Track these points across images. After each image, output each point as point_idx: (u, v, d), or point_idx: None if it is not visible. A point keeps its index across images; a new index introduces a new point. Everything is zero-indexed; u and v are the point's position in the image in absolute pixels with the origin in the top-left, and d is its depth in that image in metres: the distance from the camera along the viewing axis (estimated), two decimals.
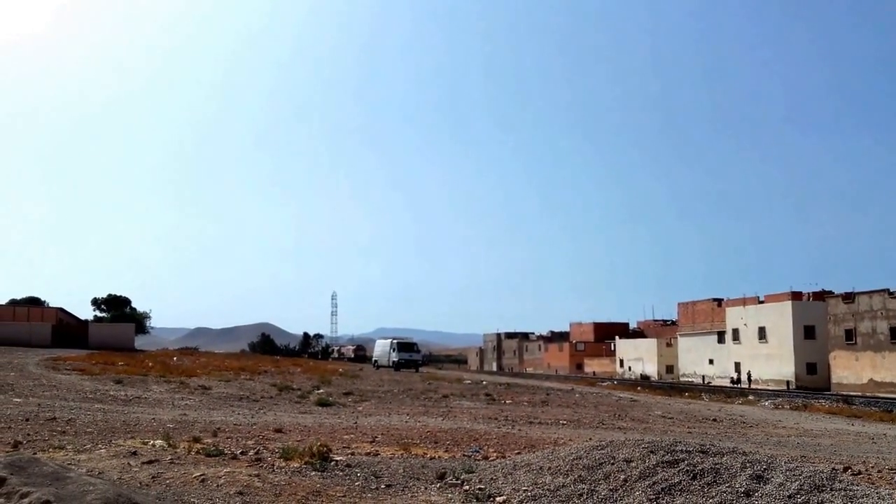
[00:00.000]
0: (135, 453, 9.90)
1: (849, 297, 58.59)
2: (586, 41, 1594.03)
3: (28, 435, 11.96)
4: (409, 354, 59.04)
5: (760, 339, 67.76)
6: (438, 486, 9.11)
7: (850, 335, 57.79)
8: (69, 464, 8.18)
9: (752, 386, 61.40)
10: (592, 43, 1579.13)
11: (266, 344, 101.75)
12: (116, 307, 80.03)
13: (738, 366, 70.46)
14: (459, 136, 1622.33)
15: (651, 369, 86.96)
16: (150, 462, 9.21)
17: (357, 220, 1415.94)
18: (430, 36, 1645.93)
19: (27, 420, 14.05)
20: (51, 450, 10.28)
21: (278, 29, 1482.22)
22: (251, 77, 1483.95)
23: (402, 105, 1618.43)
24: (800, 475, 8.06)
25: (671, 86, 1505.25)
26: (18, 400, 18.15)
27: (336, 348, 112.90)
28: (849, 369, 57.54)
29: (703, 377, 74.56)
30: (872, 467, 12.38)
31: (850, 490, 7.74)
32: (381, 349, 63.19)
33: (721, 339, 74.58)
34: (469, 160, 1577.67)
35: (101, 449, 10.48)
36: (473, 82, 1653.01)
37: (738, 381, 65.69)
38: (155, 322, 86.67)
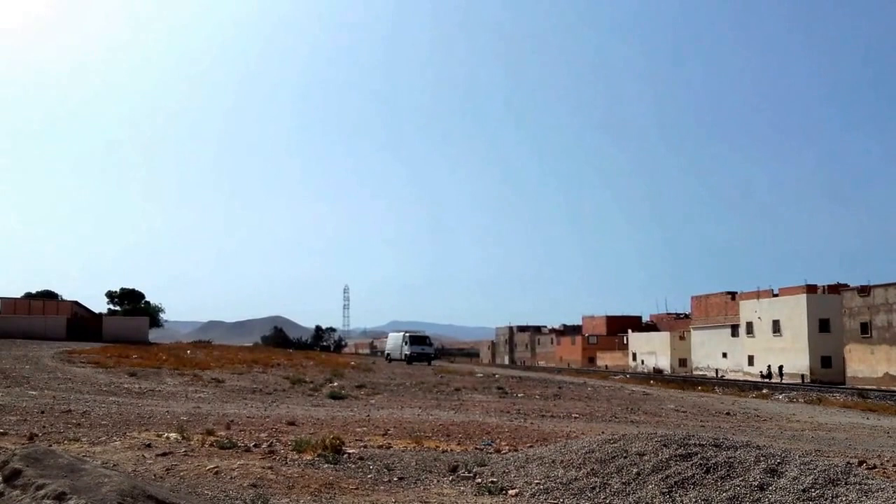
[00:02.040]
0: (149, 446, 9.97)
1: (864, 291, 58.17)
2: (604, 37, 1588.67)
3: (43, 427, 12.05)
4: (422, 347, 59.02)
5: (775, 332, 67.40)
6: (451, 478, 9.12)
7: (865, 328, 57.40)
8: (84, 456, 8.24)
9: (783, 381, 60.33)
10: (607, 39, 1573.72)
11: (279, 337, 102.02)
12: (130, 301, 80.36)
13: (751, 359, 70.10)
14: (472, 131, 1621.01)
15: (664, 363, 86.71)
16: (164, 454, 9.27)
17: (370, 214, 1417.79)
18: (447, 33, 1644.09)
19: (42, 412, 14.15)
20: (66, 442, 10.37)
21: (293, 27, 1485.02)
22: (267, 76, 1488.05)
23: (418, 101, 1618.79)
24: (814, 469, 8.02)
25: (684, 77, 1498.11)
26: (34, 392, 18.29)
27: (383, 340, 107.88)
28: (864, 363, 57.18)
29: (717, 371, 74.28)
30: (888, 461, 12.30)
31: (865, 484, 7.69)
32: (393, 342, 63.26)
33: (735, 333, 74.26)
34: (482, 154, 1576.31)
35: (115, 441, 10.56)
36: (489, 79, 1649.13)
37: (769, 375, 64.46)
38: (168, 315, 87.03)
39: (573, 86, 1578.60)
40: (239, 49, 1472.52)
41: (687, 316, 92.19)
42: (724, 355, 75.75)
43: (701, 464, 8.27)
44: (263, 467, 8.73)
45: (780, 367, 64.39)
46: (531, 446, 11.96)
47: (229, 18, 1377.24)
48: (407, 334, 61.07)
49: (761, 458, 8.36)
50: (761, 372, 65.59)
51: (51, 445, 9.16)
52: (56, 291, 78.46)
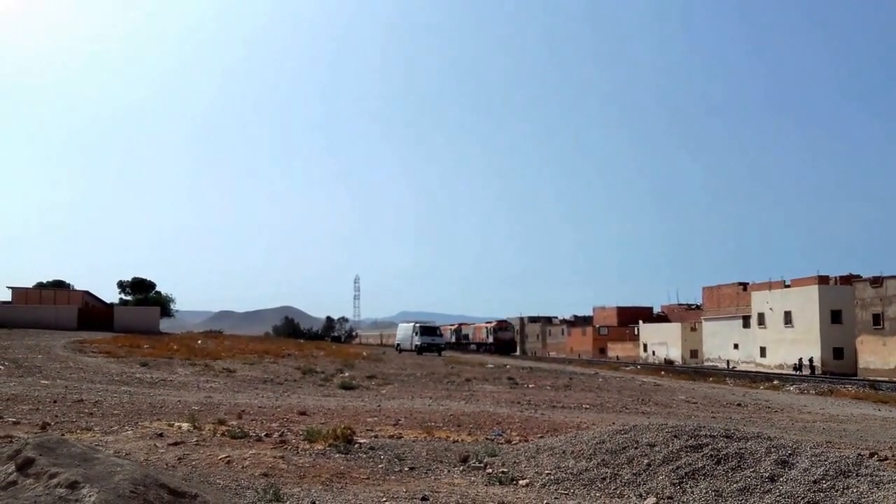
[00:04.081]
0: (161, 435, 10.02)
1: (877, 282, 57.77)
2: (610, 29, 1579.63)
3: (56, 416, 12.13)
4: (432, 338, 59.13)
5: (786, 323, 67.02)
6: (461, 469, 9.14)
7: (877, 320, 57.03)
8: (97, 445, 8.29)
9: (814, 374, 59.21)
10: (613, 30, 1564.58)
11: (290, 327, 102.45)
12: (141, 291, 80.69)
13: (763, 350, 69.73)
14: (479, 123, 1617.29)
15: (675, 354, 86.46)
16: (176, 444, 9.32)
17: (379, 205, 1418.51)
18: (450, 23, 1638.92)
19: (55, 402, 14.25)
20: (78, 431, 10.44)
21: (313, 23, 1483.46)
22: (271, 65, 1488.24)
23: (424, 92, 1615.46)
24: (825, 460, 7.98)
25: (693, 67, 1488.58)
26: (46, 382, 18.41)
27: (456, 326, 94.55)
28: (876, 354, 56.82)
29: (728, 362, 74.03)
30: None
31: (877, 475, 7.65)
32: (403, 333, 63.35)
33: (746, 324, 73.89)
34: (491, 146, 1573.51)
35: (127, 430, 10.63)
36: (494, 71, 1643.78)
37: (800, 367, 63.22)
38: (179, 305, 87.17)
39: (581, 76, 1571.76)
40: (256, 42, 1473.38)
41: (698, 307, 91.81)
42: (736, 346, 75.42)
43: (712, 455, 8.26)
44: (275, 457, 8.77)
45: (811, 360, 63.00)
46: (542, 437, 11.97)
47: (251, 15, 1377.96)
48: (417, 325, 61.15)
49: (772, 450, 8.34)
50: (795, 365, 64.25)
51: (63, 435, 9.23)
52: (67, 281, 78.86)
